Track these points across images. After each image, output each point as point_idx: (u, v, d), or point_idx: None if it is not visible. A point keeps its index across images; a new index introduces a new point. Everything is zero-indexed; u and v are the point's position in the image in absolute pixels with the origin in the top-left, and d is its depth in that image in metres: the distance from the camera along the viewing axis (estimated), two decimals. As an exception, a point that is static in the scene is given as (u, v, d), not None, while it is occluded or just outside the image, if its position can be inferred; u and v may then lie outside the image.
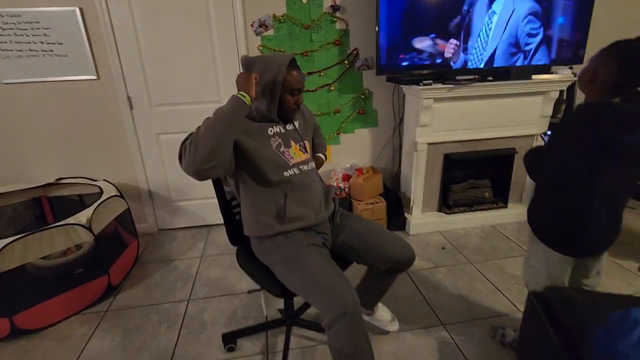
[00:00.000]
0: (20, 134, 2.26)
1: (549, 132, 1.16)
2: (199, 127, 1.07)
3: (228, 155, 1.10)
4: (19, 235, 1.58)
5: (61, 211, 2.30)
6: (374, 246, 1.30)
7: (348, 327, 1.03)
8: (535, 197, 1.27)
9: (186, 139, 1.09)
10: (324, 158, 1.56)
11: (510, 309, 1.72)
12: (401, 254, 1.29)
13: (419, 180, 2.47)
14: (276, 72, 1.14)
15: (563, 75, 2.33)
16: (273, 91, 1.16)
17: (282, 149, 1.23)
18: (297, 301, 1.60)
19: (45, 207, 2.37)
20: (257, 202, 1.24)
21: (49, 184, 2.30)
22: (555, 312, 1.13)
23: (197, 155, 1.02)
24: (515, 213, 2.60)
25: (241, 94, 1.08)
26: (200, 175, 1.06)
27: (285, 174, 1.22)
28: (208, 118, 1.08)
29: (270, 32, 2.31)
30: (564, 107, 2.61)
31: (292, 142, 1.27)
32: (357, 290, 1.47)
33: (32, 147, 2.30)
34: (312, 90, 2.47)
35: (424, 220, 2.52)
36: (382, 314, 1.58)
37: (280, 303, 1.68)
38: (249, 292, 1.72)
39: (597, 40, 2.50)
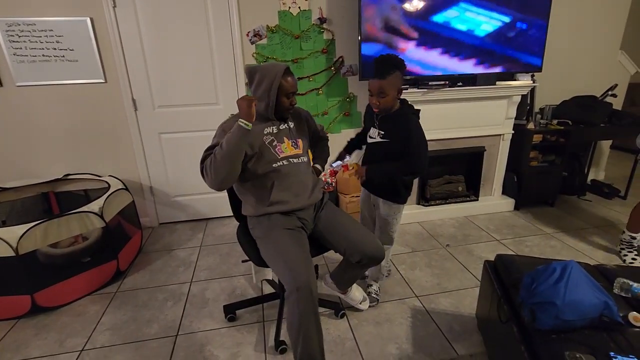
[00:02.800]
0: (32, 133, 2.44)
1: (380, 135, 1.58)
2: (214, 153, 1.30)
3: (240, 169, 1.35)
4: (40, 220, 1.77)
5: (67, 205, 2.47)
6: (346, 239, 1.46)
7: (298, 300, 1.23)
8: (392, 181, 1.64)
9: (204, 158, 1.33)
10: (320, 169, 1.74)
11: (475, 283, 1.98)
12: (369, 250, 1.44)
13: (399, 176, 2.72)
14: (272, 79, 1.36)
15: (523, 82, 2.63)
16: (270, 94, 1.39)
17: (274, 143, 1.46)
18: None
19: (53, 201, 2.54)
20: (249, 189, 1.48)
21: (57, 180, 2.47)
22: (500, 273, 1.39)
23: (217, 178, 1.31)
24: (485, 205, 2.89)
25: (244, 123, 1.27)
26: (222, 190, 1.36)
27: (274, 165, 1.44)
28: (221, 145, 1.28)
29: (264, 41, 2.55)
30: (527, 109, 2.93)
31: (285, 138, 1.49)
32: (334, 273, 1.71)
33: (42, 146, 2.48)
34: (303, 94, 2.71)
35: (404, 212, 2.75)
36: (355, 293, 1.77)
37: (267, 274, 1.90)
38: (243, 261, 1.94)
39: (553, 50, 2.84)
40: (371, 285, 1.87)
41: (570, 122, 2.87)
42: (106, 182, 2.37)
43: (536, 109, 2.99)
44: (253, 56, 2.57)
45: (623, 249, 2.20)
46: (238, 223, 1.69)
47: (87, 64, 2.35)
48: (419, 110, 1.58)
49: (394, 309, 1.80)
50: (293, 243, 1.38)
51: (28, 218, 2.46)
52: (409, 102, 1.60)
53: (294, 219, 1.47)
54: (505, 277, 1.38)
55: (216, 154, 1.29)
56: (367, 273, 1.90)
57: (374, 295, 1.83)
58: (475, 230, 2.64)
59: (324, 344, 1.35)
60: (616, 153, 3.96)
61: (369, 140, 1.65)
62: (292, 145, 1.50)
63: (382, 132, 1.57)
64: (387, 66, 1.42)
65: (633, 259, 2.14)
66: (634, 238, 2.17)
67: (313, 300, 1.26)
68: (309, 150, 1.67)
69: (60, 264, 1.89)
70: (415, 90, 2.42)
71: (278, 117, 1.48)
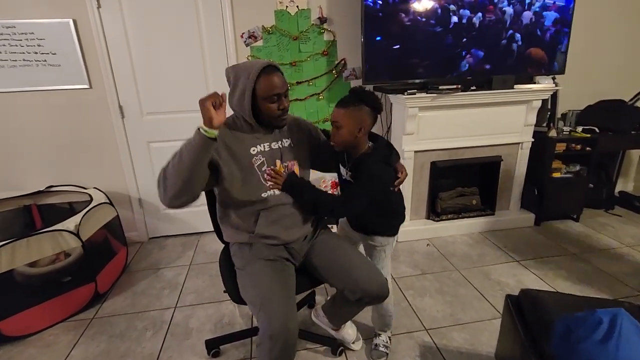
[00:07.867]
0: (12, 142, 2.29)
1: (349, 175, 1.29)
2: (168, 162, 1.06)
3: (199, 187, 1.09)
4: (6, 241, 1.60)
5: (51, 219, 2.30)
6: (346, 275, 1.22)
7: (271, 349, 1.03)
8: (371, 219, 1.36)
9: (165, 167, 1.08)
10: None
11: (493, 314, 1.73)
12: (373, 288, 1.19)
13: (407, 188, 2.50)
14: (245, 81, 1.11)
15: (545, 85, 2.39)
16: (245, 101, 1.12)
17: (264, 167, 1.21)
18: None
19: (35, 215, 2.38)
20: (232, 214, 1.26)
21: (40, 192, 2.31)
22: (525, 313, 1.16)
23: (167, 194, 1.06)
24: (502, 220, 2.63)
25: (203, 129, 1.01)
26: (174, 208, 1.10)
27: (263, 194, 1.21)
28: (178, 154, 1.05)
29: (260, 43, 2.37)
30: (548, 115, 2.68)
31: (277, 161, 1.24)
32: (327, 306, 1.44)
33: (24, 156, 2.33)
34: (302, 100, 2.52)
35: (412, 228, 2.54)
36: (349, 331, 1.52)
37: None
38: (225, 291, 1.72)
39: (575, 51, 2.60)
40: (379, 335, 1.55)
41: (596, 129, 2.61)
42: (89, 195, 2.21)
43: (558, 115, 2.73)
44: (248, 59, 2.39)
45: None
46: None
47: (71, 69, 2.20)
48: (394, 152, 1.31)
49: (401, 344, 1.57)
50: (273, 278, 1.15)
51: (8, 233, 2.31)
52: (390, 144, 1.33)
53: (280, 249, 1.26)
54: (531, 318, 1.15)
55: (169, 164, 1.05)
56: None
57: (382, 349, 1.50)
58: (492, 248, 2.39)
59: None
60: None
61: (341, 176, 1.39)
62: (284, 171, 1.26)
63: (350, 173, 1.30)
64: (353, 97, 1.19)
65: None
66: None
67: (288, 352, 1.05)
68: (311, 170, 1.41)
69: (39, 284, 1.72)
70: (424, 95, 2.20)
71: (267, 128, 1.22)
